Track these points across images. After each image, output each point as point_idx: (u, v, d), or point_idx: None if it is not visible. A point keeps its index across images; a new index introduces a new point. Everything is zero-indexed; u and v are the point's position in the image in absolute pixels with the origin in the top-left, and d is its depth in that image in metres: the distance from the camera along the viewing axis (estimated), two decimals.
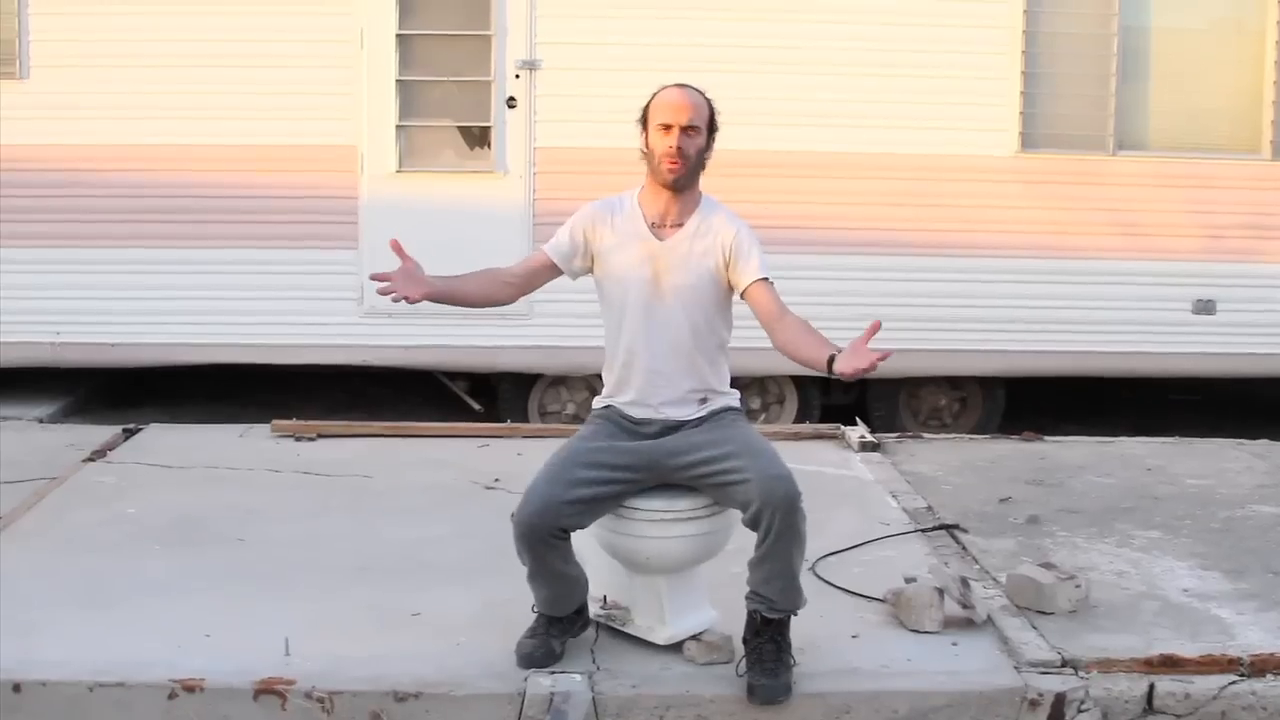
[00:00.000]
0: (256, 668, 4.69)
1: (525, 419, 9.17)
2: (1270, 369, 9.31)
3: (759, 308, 4.85)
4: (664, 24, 8.60)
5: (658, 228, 4.83)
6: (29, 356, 8.92)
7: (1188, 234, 9.12)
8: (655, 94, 4.82)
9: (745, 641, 4.75)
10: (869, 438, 7.98)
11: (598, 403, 5.00)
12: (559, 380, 9.26)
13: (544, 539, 4.64)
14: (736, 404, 5.02)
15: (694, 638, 4.87)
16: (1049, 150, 9.01)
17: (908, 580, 5.27)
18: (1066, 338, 9.10)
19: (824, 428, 8.40)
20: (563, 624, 4.90)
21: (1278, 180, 9.13)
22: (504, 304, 5.18)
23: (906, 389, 9.43)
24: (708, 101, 4.84)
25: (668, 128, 4.72)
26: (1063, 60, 9.00)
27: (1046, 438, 8.32)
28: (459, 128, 8.91)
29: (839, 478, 7.21)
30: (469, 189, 8.88)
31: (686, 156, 4.74)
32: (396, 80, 8.76)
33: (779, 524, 4.54)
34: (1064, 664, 4.87)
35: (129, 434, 7.91)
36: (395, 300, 4.94)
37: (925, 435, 8.61)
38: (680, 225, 4.83)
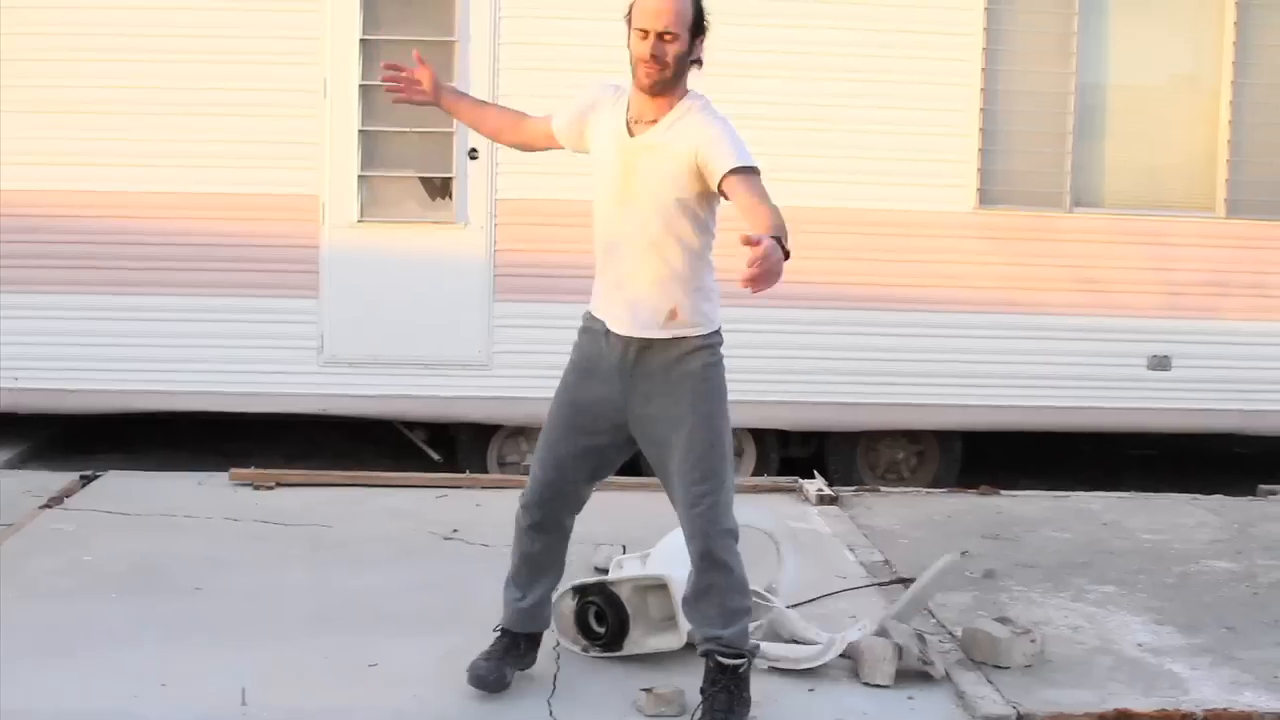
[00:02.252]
0: (213, 718, 4.67)
1: (484, 469, 9.17)
2: (1225, 424, 9.39)
3: (736, 201, 4.61)
4: (628, 78, 8.64)
5: (634, 123, 4.77)
6: None
7: (1143, 290, 9.21)
8: None
9: (701, 692, 4.78)
10: (826, 491, 8.00)
11: (591, 304, 4.97)
12: (518, 431, 9.26)
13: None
14: (710, 342, 4.82)
15: (646, 690, 4.89)
16: (1007, 206, 9.11)
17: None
18: (1023, 392, 9.16)
19: (782, 481, 8.42)
20: (520, 649, 4.99)
21: (1232, 238, 9.24)
22: (506, 144, 5.36)
23: (864, 442, 9.46)
24: (692, 1, 4.71)
25: (644, 33, 4.64)
26: (1021, 117, 9.10)
27: (1003, 492, 8.35)
28: (421, 178, 8.93)
29: (797, 531, 7.22)
30: (430, 240, 8.91)
31: (663, 63, 4.64)
32: (359, 130, 8.79)
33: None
34: (1019, 718, 4.90)
35: (86, 481, 7.86)
36: (398, 101, 5.14)
37: (883, 489, 8.63)
38: (654, 121, 4.75)
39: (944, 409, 9.16)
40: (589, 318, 4.91)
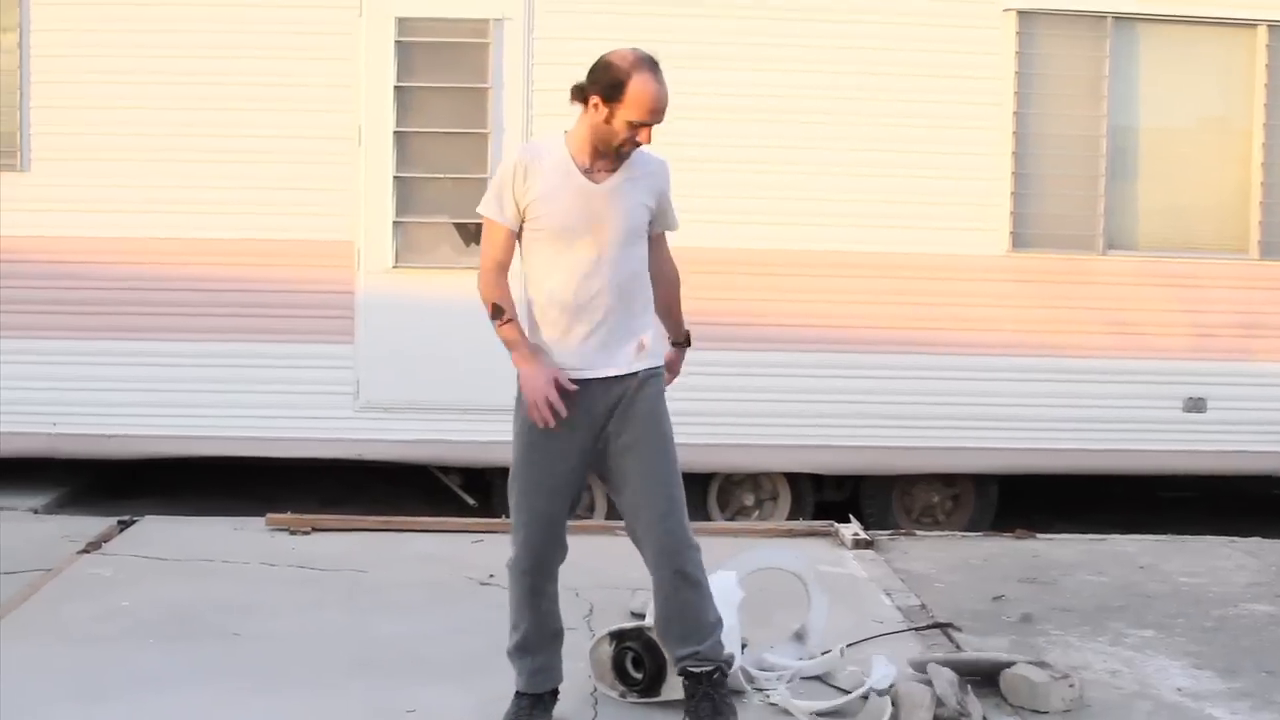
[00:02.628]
0: None
1: None
2: (1261, 466, 9.36)
3: (657, 253, 5.08)
4: (669, 123, 8.66)
5: (590, 172, 4.86)
6: (25, 447, 8.94)
7: (1178, 332, 9.20)
8: (630, 79, 4.73)
9: (684, 705, 4.98)
10: (862, 535, 7.99)
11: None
12: None
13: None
14: (660, 370, 5.06)
15: None
16: (1040, 249, 9.11)
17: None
18: (1058, 435, 9.14)
19: (817, 525, 8.42)
20: (545, 703, 5.03)
21: (1265, 279, 9.23)
22: None
23: (900, 486, 9.45)
24: None
25: (642, 125, 4.77)
26: (1053, 161, 9.11)
27: (1039, 535, 8.34)
28: (455, 224, 8.97)
29: (832, 575, 7.20)
30: (465, 284, 8.80)
31: (638, 146, 4.86)
32: (394, 177, 8.85)
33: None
34: None
35: (124, 526, 7.92)
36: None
37: (918, 533, 8.61)
38: (613, 171, 4.88)
39: (979, 452, 9.15)
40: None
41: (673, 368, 5.23)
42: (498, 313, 4.87)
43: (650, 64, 4.77)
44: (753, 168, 8.84)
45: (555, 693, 5.10)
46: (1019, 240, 9.08)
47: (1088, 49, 9.09)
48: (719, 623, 5.00)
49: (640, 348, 4.93)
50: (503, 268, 4.92)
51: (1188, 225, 9.31)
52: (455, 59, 8.91)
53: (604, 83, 4.75)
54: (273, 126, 8.81)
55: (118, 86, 8.79)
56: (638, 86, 4.73)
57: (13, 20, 8.76)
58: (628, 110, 4.73)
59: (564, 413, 4.78)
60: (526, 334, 4.93)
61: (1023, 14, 9.01)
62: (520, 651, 5.03)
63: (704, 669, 4.93)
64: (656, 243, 5.08)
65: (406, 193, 8.91)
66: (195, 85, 8.80)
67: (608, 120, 4.77)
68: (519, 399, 4.92)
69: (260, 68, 8.80)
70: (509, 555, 5.02)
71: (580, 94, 4.83)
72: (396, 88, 8.83)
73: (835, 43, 8.93)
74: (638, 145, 4.83)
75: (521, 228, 4.89)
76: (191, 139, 8.81)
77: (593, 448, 4.93)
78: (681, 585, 4.90)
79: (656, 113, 4.77)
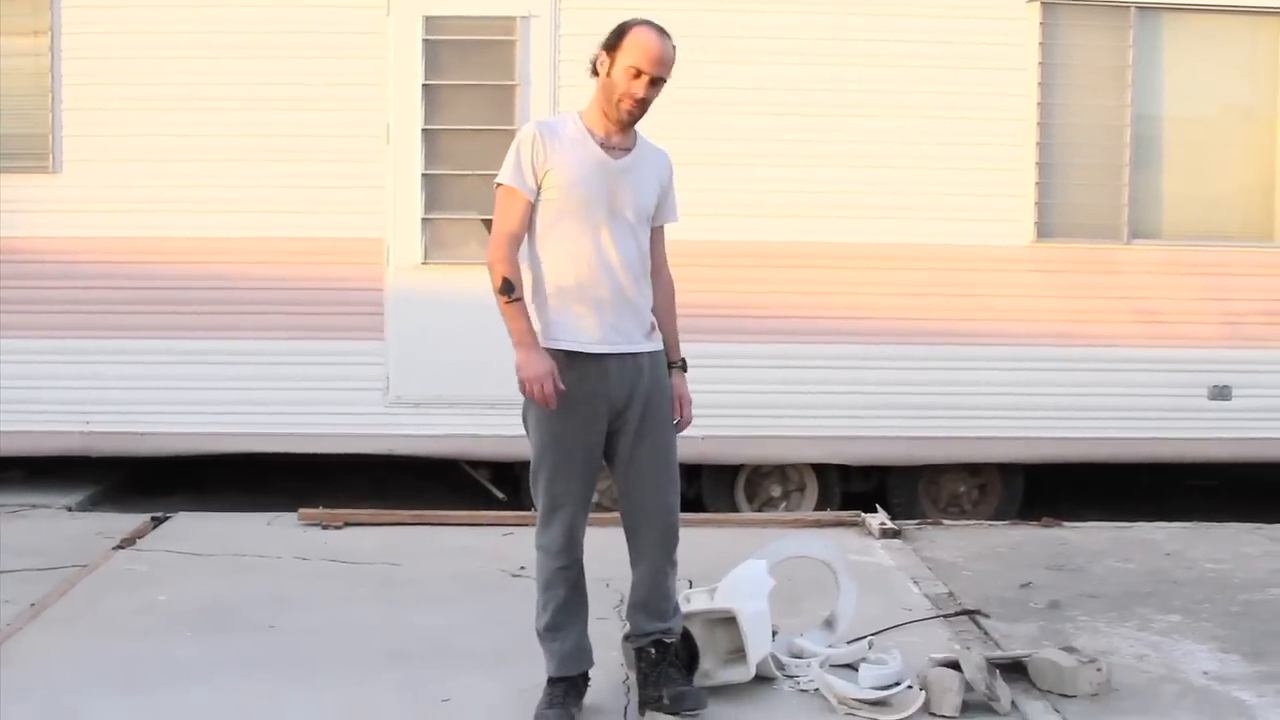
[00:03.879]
0: None
1: None
2: None
3: (655, 249, 5.14)
4: (691, 118, 8.71)
5: (608, 148, 4.95)
6: (59, 445, 9.05)
7: (1202, 321, 9.22)
8: (631, 28, 4.86)
9: (647, 672, 5.11)
10: (889, 525, 8.04)
11: (547, 341, 4.93)
12: None
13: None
14: (661, 346, 5.14)
15: None
16: (1064, 239, 9.14)
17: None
18: (1084, 424, 9.17)
19: (845, 515, 8.47)
20: (579, 687, 5.12)
21: None
22: None
23: (926, 476, 9.49)
24: (674, 51, 4.94)
25: (638, 72, 4.83)
26: (1077, 151, 9.14)
27: (1065, 524, 8.38)
28: (483, 220, 9.03)
29: (860, 564, 7.24)
30: None
31: (645, 106, 4.91)
32: (422, 174, 8.92)
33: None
34: None
35: (158, 522, 8.01)
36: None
37: (945, 522, 8.65)
38: (627, 149, 4.98)
39: (1005, 442, 9.18)
40: (554, 352, 4.91)
41: (681, 396, 5.18)
42: (507, 288, 4.87)
43: (655, 25, 4.89)
44: (780, 161, 8.89)
45: (587, 676, 5.17)
46: (1044, 230, 9.11)
47: (1111, 39, 9.12)
48: (678, 605, 5.27)
49: (653, 327, 5.05)
50: (516, 240, 4.94)
51: (1212, 214, 9.33)
52: (482, 56, 8.97)
53: (608, 38, 4.90)
54: (302, 125, 8.89)
55: (147, 88, 8.89)
56: (636, 34, 4.86)
57: (44, 23, 8.85)
58: (625, 55, 4.84)
59: (553, 404, 4.83)
60: (534, 308, 4.95)
61: (1046, 5, 9.04)
62: (551, 632, 5.08)
63: (671, 640, 5.12)
64: (655, 237, 5.15)
65: (435, 190, 8.98)
66: (224, 85, 8.89)
67: (609, 73, 4.88)
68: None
69: (289, 67, 8.88)
70: (539, 539, 5.09)
71: (593, 65, 4.96)
72: (424, 85, 8.90)
73: (862, 36, 8.96)
74: (638, 102, 4.87)
75: (536, 201, 4.93)
76: (221, 139, 8.90)
77: (604, 423, 4.99)
78: (670, 569, 5.12)
79: (654, 61, 4.83)
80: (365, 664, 5.68)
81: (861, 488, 9.43)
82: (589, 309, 4.92)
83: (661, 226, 5.17)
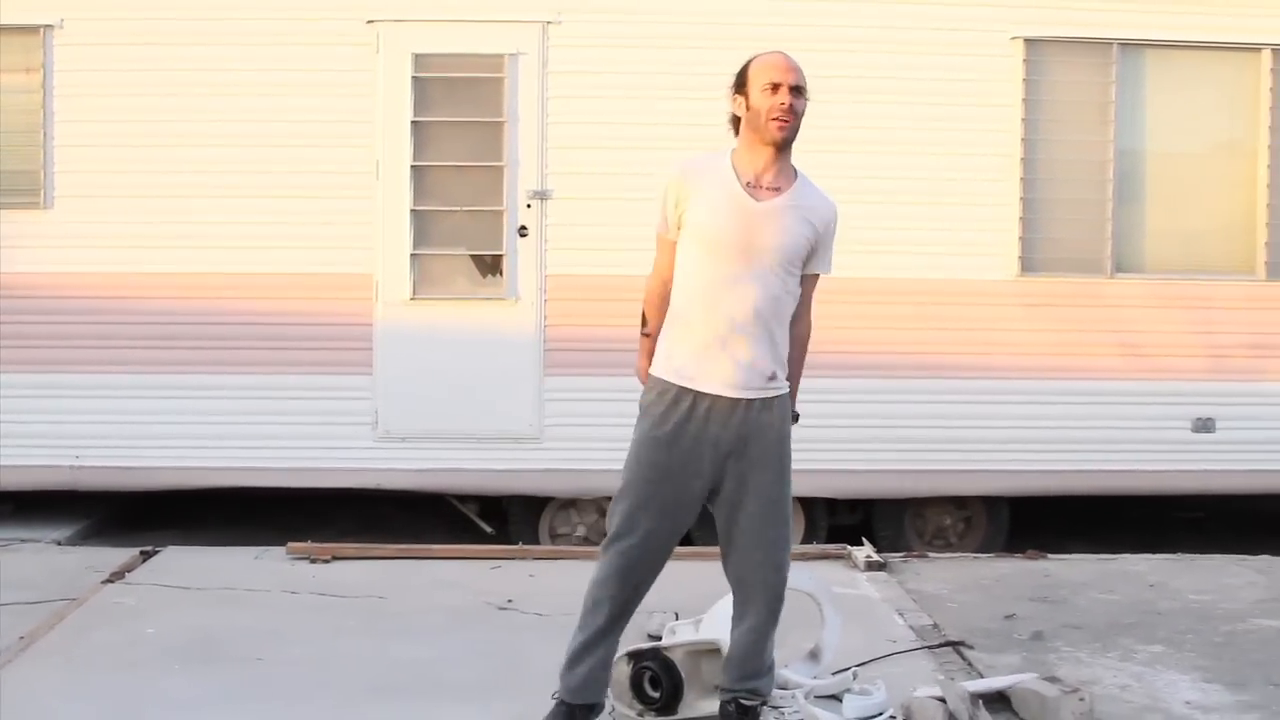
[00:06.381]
0: None
1: (536, 541, 9.27)
2: (1270, 486, 9.41)
3: (800, 298, 5.03)
4: (672, 154, 8.71)
5: (753, 188, 4.86)
6: (48, 480, 9.07)
7: (1186, 354, 9.27)
8: (751, 60, 4.89)
9: None
10: (875, 557, 8.08)
11: (663, 373, 4.92)
12: (569, 503, 9.36)
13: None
14: (787, 390, 5.06)
15: None
16: (1049, 274, 9.20)
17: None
18: (1069, 457, 9.21)
19: (830, 548, 8.50)
20: (589, 714, 5.07)
21: (1273, 300, 9.31)
22: None
23: (912, 509, 9.52)
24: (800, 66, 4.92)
25: (776, 86, 4.80)
26: (1061, 186, 9.21)
27: (1050, 556, 8.40)
28: (472, 256, 9.09)
29: (846, 597, 7.27)
30: (481, 315, 9.06)
31: (796, 114, 4.85)
32: (411, 210, 8.97)
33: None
34: None
35: (146, 556, 8.01)
36: None
37: (931, 554, 8.68)
38: (777, 190, 4.89)
39: (990, 474, 9.22)
40: (667, 385, 4.90)
41: None
42: (643, 322, 5.02)
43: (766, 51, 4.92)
44: None
45: (592, 709, 5.08)
46: (1028, 264, 9.17)
47: (1094, 75, 9.20)
48: (773, 664, 5.13)
49: (773, 376, 4.93)
50: (665, 282, 4.97)
51: (1195, 247, 9.38)
52: (471, 94, 9.03)
53: (734, 83, 4.90)
54: (292, 162, 8.95)
55: (139, 125, 8.94)
56: (757, 61, 4.89)
57: (36, 60, 8.91)
58: (756, 79, 4.83)
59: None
60: (662, 337, 4.95)
61: (1030, 41, 9.13)
62: (579, 655, 4.98)
63: (754, 703, 5.03)
64: (807, 285, 5.05)
65: (424, 225, 9.03)
66: (216, 122, 8.95)
67: (748, 106, 4.85)
68: (642, 408, 4.96)
69: (279, 104, 8.95)
70: (600, 569, 4.98)
71: (731, 120, 4.95)
72: (413, 122, 8.96)
73: (846, 73, 9.01)
74: (787, 111, 4.82)
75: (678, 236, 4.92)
76: (212, 175, 8.96)
77: (714, 469, 4.90)
78: (771, 624, 5.00)
79: (781, 69, 4.83)
80: (352, 696, 5.69)
81: (848, 521, 9.46)
82: (705, 349, 4.84)
83: (815, 275, 5.05)
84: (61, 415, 8.98)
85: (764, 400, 4.91)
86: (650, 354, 4.98)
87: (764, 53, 4.93)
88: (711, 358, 4.84)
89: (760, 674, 5.03)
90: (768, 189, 4.87)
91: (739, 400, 4.86)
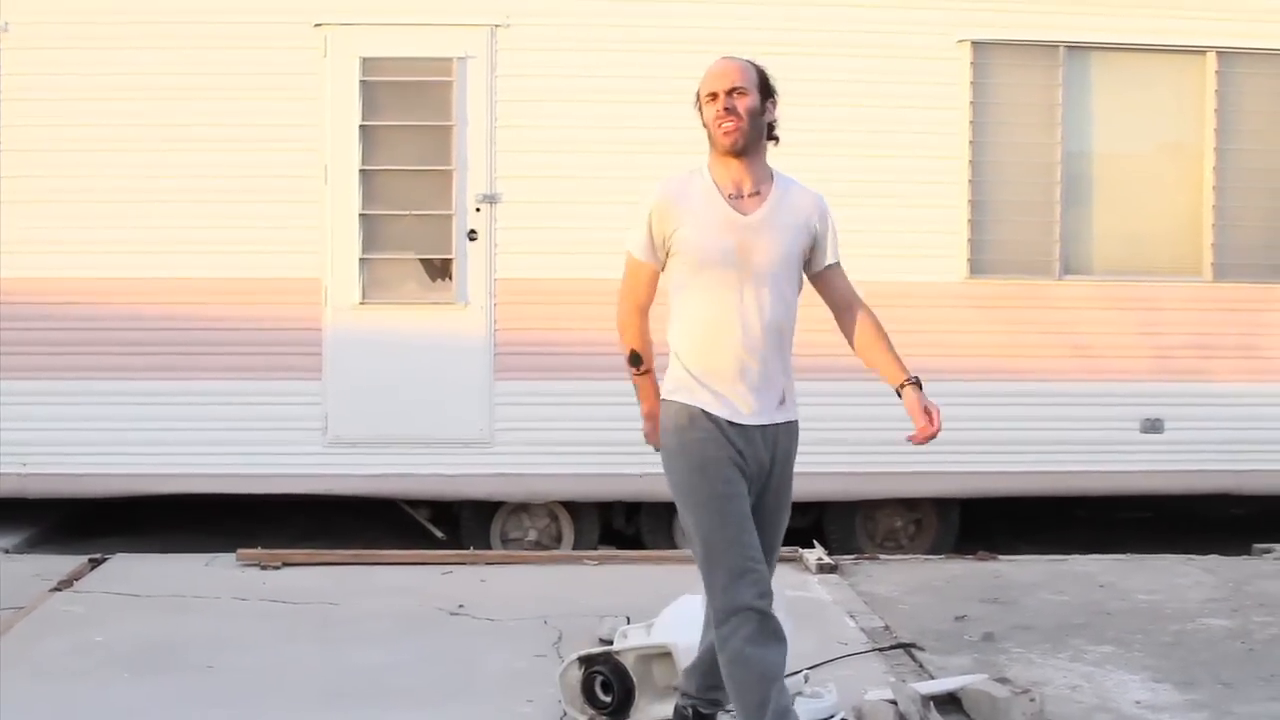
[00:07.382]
0: None
1: (488, 546, 9.25)
2: (1218, 485, 9.48)
3: (833, 292, 4.98)
4: (620, 158, 8.78)
5: (735, 199, 4.73)
6: None
7: (1134, 355, 9.33)
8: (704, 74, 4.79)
9: None
10: (826, 560, 8.10)
11: (680, 397, 4.71)
12: (521, 508, 9.35)
13: None
14: (796, 416, 4.90)
15: None
16: (997, 275, 9.25)
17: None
18: (1018, 458, 9.26)
19: (782, 550, 8.47)
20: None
21: (1220, 301, 9.38)
22: None
23: (863, 511, 9.55)
24: (756, 67, 4.80)
25: (714, 96, 4.71)
26: (1008, 188, 9.26)
27: (1001, 557, 8.45)
28: (421, 260, 9.06)
29: (797, 599, 7.29)
30: (431, 320, 9.03)
31: (737, 114, 4.68)
32: (359, 214, 8.94)
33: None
34: None
35: (95, 564, 7.96)
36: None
37: (882, 557, 8.71)
38: (759, 194, 4.77)
39: (940, 476, 9.25)
40: (688, 413, 4.69)
41: (926, 407, 5.08)
42: (635, 360, 4.80)
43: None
44: None
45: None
46: (976, 266, 9.22)
47: (1041, 78, 9.25)
48: None
49: (783, 401, 4.81)
50: (644, 310, 4.79)
51: (1142, 249, 9.45)
52: (419, 97, 9.01)
53: (695, 102, 4.82)
54: (240, 166, 8.90)
55: (86, 129, 8.88)
56: (704, 75, 4.79)
57: None
58: (701, 94, 4.76)
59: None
60: (671, 358, 4.75)
61: (977, 45, 9.17)
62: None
63: (711, 712, 5.03)
64: (828, 279, 4.97)
65: (372, 230, 9.00)
66: (164, 127, 8.89)
67: (704, 122, 4.78)
68: (672, 455, 4.72)
69: (228, 109, 8.90)
70: (726, 630, 4.64)
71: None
72: (362, 126, 8.93)
73: (795, 76, 8.98)
74: (725, 114, 4.67)
75: (667, 261, 4.75)
76: (161, 180, 8.90)
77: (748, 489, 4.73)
78: None
79: (715, 76, 4.73)
80: (304, 703, 5.67)
81: (799, 523, 9.45)
82: (717, 373, 4.68)
83: (837, 265, 4.96)
84: (7, 422, 8.90)
85: (780, 425, 4.79)
86: (653, 394, 4.83)
87: (712, 63, 4.83)
88: (720, 382, 4.68)
89: (722, 684, 4.90)
90: (750, 196, 4.75)
91: (754, 428, 4.71)
